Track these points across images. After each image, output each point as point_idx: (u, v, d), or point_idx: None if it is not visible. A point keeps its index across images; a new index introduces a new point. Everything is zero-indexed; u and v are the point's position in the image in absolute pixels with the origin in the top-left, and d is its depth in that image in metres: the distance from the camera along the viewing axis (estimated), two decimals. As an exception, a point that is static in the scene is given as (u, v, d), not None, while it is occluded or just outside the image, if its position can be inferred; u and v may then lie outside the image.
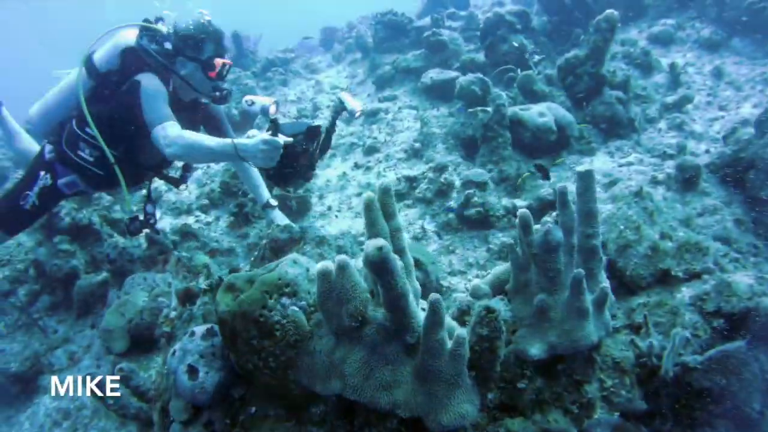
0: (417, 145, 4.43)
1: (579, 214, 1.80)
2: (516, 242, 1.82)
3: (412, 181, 3.84)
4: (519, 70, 4.45)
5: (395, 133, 5.00)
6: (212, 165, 5.28)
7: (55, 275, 3.76)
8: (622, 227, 2.41)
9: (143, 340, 2.69)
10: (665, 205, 2.72)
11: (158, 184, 4.63)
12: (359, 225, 3.74)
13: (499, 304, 1.76)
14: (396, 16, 6.96)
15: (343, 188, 4.45)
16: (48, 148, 3.00)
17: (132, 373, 2.23)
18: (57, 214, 4.08)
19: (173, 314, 2.46)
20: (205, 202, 4.76)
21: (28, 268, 4.04)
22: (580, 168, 1.76)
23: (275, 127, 2.46)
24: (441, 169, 3.64)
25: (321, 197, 4.42)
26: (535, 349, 1.65)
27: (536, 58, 5.15)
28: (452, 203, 3.95)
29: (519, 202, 3.25)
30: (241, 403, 1.78)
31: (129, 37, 2.85)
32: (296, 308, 1.67)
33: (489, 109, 3.72)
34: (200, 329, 1.93)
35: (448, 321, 1.70)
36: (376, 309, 1.54)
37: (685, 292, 2.19)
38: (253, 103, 2.54)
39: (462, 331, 1.43)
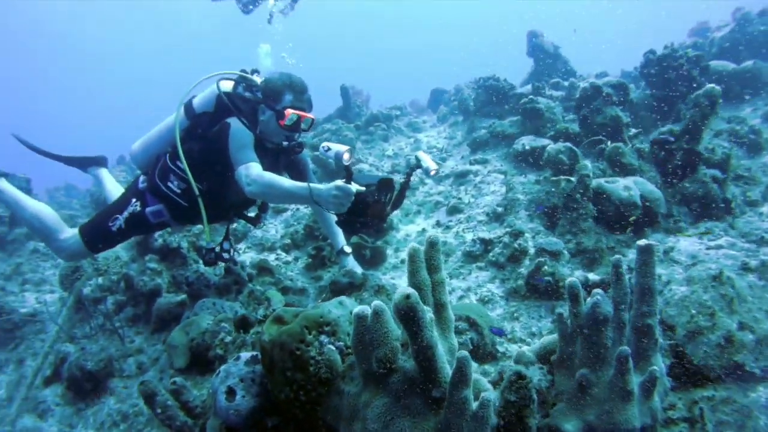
0: (500, 209, 4.40)
1: (636, 289, 1.71)
2: (566, 312, 1.76)
3: (487, 244, 3.80)
4: (609, 142, 4.33)
5: (480, 195, 5.00)
6: (301, 209, 5.52)
7: (141, 290, 4.04)
8: (694, 312, 2.24)
9: (202, 360, 2.82)
10: (751, 294, 2.49)
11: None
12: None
13: (535, 372, 1.69)
14: (497, 81, 7.04)
15: (420, 244, 4.49)
16: (141, 178, 3.34)
17: (184, 388, 2.34)
18: (152, 234, 4.45)
19: (228, 339, 2.59)
20: (288, 242, 4.96)
21: (120, 280, 4.39)
22: (640, 241, 1.69)
23: (349, 175, 2.58)
24: (517, 234, 3.58)
25: (397, 250, 4.48)
26: (571, 426, 1.56)
27: (632, 131, 5.00)
28: (541, 207, 3.89)
29: (592, 276, 3.12)
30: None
31: (226, 84, 3.14)
32: (333, 347, 1.71)
33: (573, 179, 3.64)
34: (246, 355, 2.02)
35: (482, 383, 1.66)
36: (406, 359, 1.54)
37: (762, 393, 1.98)
38: (329, 149, 2.67)
39: (488, 394, 1.39)
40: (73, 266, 4.48)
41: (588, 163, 3.65)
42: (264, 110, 3.02)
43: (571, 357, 1.71)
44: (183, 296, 3.95)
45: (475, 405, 1.38)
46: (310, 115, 3.06)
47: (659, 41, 5.82)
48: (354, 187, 2.52)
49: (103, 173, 4.04)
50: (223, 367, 2.01)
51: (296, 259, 4.79)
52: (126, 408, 2.88)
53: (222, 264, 3.62)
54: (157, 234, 4.38)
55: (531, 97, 5.80)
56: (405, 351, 1.56)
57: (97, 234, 3.26)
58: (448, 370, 1.48)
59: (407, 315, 1.34)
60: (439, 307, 1.67)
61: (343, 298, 1.96)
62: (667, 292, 2.47)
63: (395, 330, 1.53)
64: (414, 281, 1.63)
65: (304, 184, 2.64)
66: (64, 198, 11.05)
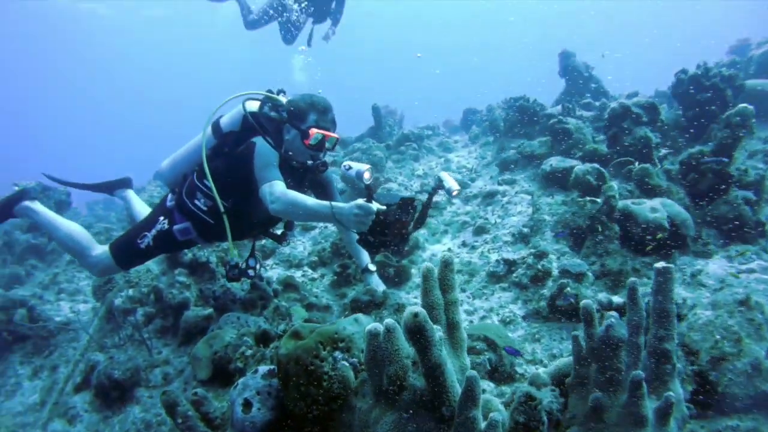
0: (525, 230, 4.37)
1: (653, 313, 1.69)
2: (582, 334, 1.74)
3: (511, 264, 3.78)
4: (637, 163, 4.27)
5: (507, 216, 4.98)
6: (329, 226, 5.57)
7: (169, 303, 4.14)
8: (718, 337, 2.19)
9: (225, 373, 2.87)
10: (782, 322, 2.41)
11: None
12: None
13: (546, 394, 1.68)
14: (527, 102, 7.01)
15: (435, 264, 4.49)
16: (169, 197, 3.43)
17: (205, 399, 2.39)
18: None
19: (249, 352, 2.64)
20: (315, 258, 5.01)
21: (150, 293, 4.50)
22: (658, 264, 1.67)
23: (370, 194, 2.61)
24: (540, 255, 3.56)
25: (437, 265, 4.48)
26: (583, 451, 1.54)
27: (662, 152, 4.92)
28: (563, 232, 3.85)
29: (616, 299, 3.07)
30: (286, 447, 1.85)
31: (252, 104, 3.22)
32: (346, 363, 1.74)
33: (598, 200, 3.61)
34: (264, 369, 2.06)
35: (494, 403, 1.66)
36: (417, 377, 1.56)
37: (790, 425, 1.91)
38: (350, 168, 2.71)
39: (496, 415, 1.39)
40: (106, 278, 4.63)
41: (614, 184, 3.61)
42: (289, 130, 3.08)
43: (585, 380, 1.69)
44: (210, 310, 4.03)
45: (483, 425, 1.39)
46: (334, 135, 3.11)
47: (698, 60, 5.73)
48: (375, 206, 2.53)
49: (130, 194, 4.18)
50: (241, 380, 2.05)
51: (322, 276, 4.83)
52: (150, 417, 2.95)
53: (247, 280, 3.68)
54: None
55: (560, 117, 5.77)
56: (416, 369, 1.57)
57: (127, 251, 3.37)
58: (458, 388, 1.49)
59: (416, 333, 1.36)
60: (452, 327, 1.68)
61: (359, 315, 1.99)
62: (692, 316, 2.41)
63: (406, 348, 1.55)
64: (427, 300, 1.65)
65: (326, 203, 2.68)
66: (102, 211, 11.40)
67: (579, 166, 4.41)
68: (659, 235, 3.33)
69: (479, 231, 4.81)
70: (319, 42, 8.33)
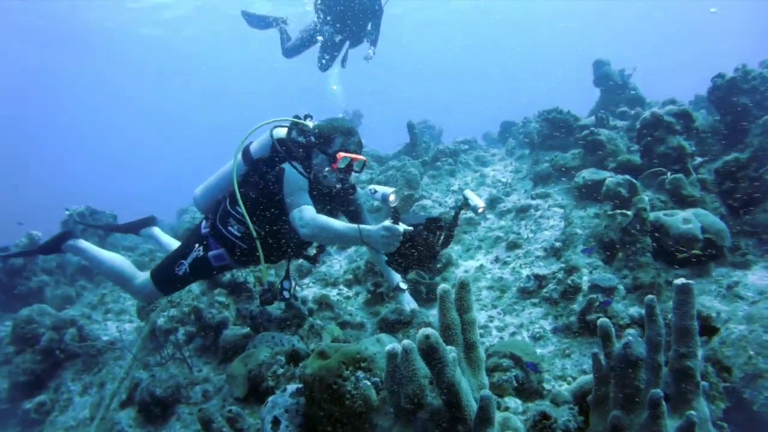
0: (558, 244, 4.34)
1: (675, 330, 1.68)
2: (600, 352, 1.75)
3: (541, 279, 3.76)
4: (669, 173, 4.18)
5: (540, 230, 4.95)
6: (365, 245, 5.64)
7: (209, 322, 4.28)
8: (752, 352, 2.14)
9: (259, 391, 2.96)
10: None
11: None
12: (483, 317, 3.73)
13: (563, 412, 1.69)
14: (561, 114, 6.93)
15: (477, 280, 4.49)
16: (203, 224, 3.55)
17: (239, 417, 2.48)
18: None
19: (280, 371, 2.72)
20: (350, 277, 5.09)
21: (191, 313, 4.66)
22: (678, 281, 1.66)
23: (396, 215, 2.66)
24: (570, 270, 3.54)
25: (454, 286, 4.49)
26: (602, 470, 1.54)
27: (698, 160, 4.80)
28: (590, 249, 3.80)
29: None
30: (314, 464, 1.91)
31: (281, 130, 3.31)
32: (368, 383, 1.79)
33: (629, 212, 3.56)
34: (292, 387, 2.13)
35: (513, 422, 1.68)
36: (435, 396, 1.59)
37: (828, 444, 1.85)
38: (375, 191, 2.76)
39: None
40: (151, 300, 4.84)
41: (645, 196, 3.56)
42: (317, 154, 3.14)
43: (605, 398, 1.69)
44: (247, 329, 4.14)
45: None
46: (361, 157, 3.16)
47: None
48: (401, 227, 2.57)
49: (156, 231, 4.36)
50: (271, 398, 2.13)
51: (357, 294, 4.90)
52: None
53: (282, 300, 3.77)
54: None
55: (592, 129, 5.71)
56: (434, 389, 1.61)
57: (166, 278, 3.51)
58: (474, 407, 1.52)
59: (428, 354, 1.40)
60: (469, 347, 1.72)
61: (381, 335, 2.04)
62: (725, 330, 2.36)
63: (424, 368, 1.59)
64: (443, 321, 1.69)
65: (354, 226, 2.73)
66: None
67: (610, 178, 4.35)
68: (695, 248, 3.26)
69: (512, 246, 4.79)
70: (358, 63, 8.45)
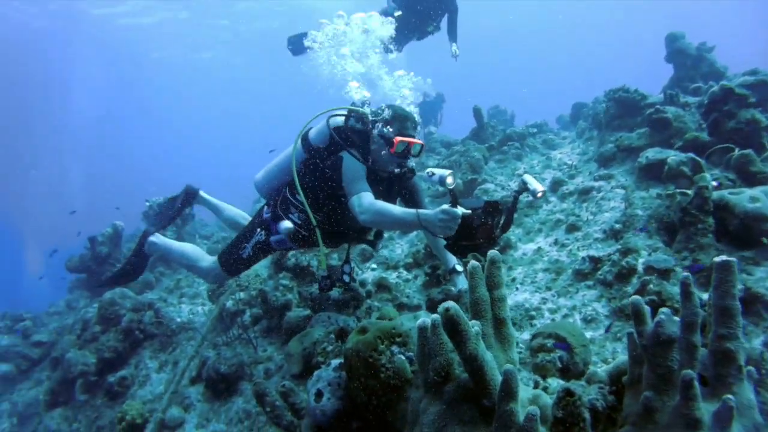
0: (618, 226, 4.20)
1: (714, 310, 1.62)
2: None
3: (596, 261, 3.67)
4: (737, 149, 3.92)
5: (600, 212, 4.81)
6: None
7: (274, 305, 4.49)
8: (814, 339, 2.01)
9: (312, 366, 3.11)
10: None
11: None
12: (536, 299, 3.70)
13: (591, 391, 1.67)
14: (627, 92, 6.62)
15: (534, 263, 4.44)
16: (266, 209, 3.70)
17: (291, 391, 2.63)
18: (286, 254, 4.93)
19: (329, 348, 2.84)
20: (410, 260, 5.17)
21: (257, 296, 4.90)
22: (718, 258, 1.61)
23: (454, 198, 2.67)
24: (626, 252, 3.43)
25: (510, 268, 4.47)
26: (632, 449, 1.53)
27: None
28: (644, 228, 3.66)
29: (707, 296, 2.88)
30: (355, 434, 2.00)
31: (339, 118, 3.38)
32: (403, 357, 1.86)
33: (689, 191, 3.39)
34: (336, 362, 2.24)
35: (543, 398, 1.69)
36: (463, 371, 1.63)
37: None
38: (433, 174, 2.78)
39: (534, 408, 1.44)
40: (218, 284, 5.13)
41: (708, 174, 3.38)
42: (374, 140, 3.20)
43: (639, 379, 1.66)
44: (308, 311, 4.32)
45: (521, 418, 1.44)
46: (418, 141, 3.17)
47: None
48: (460, 210, 2.57)
49: (203, 196, 4.37)
50: (316, 372, 2.25)
51: (415, 276, 4.97)
52: (250, 408, 3.27)
53: (340, 286, 3.86)
54: (291, 253, 4.81)
55: (657, 107, 5.43)
56: (463, 363, 1.65)
57: (231, 260, 3.72)
58: (499, 381, 1.55)
59: (448, 327, 1.45)
60: (499, 323, 1.74)
61: (419, 312, 2.10)
62: (787, 316, 2.23)
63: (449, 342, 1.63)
64: (473, 297, 1.72)
65: (412, 211, 2.77)
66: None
67: (672, 157, 4.15)
68: (763, 228, 3.07)
69: (571, 229, 4.69)
70: (440, 50, 8.37)
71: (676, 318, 1.61)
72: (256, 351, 4.12)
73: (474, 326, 1.50)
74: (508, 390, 1.43)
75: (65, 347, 4.98)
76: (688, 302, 1.60)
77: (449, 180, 2.69)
